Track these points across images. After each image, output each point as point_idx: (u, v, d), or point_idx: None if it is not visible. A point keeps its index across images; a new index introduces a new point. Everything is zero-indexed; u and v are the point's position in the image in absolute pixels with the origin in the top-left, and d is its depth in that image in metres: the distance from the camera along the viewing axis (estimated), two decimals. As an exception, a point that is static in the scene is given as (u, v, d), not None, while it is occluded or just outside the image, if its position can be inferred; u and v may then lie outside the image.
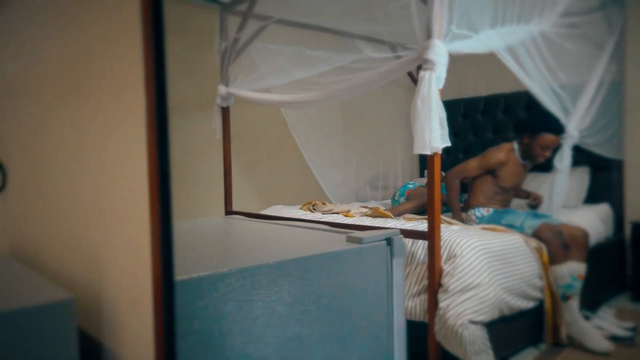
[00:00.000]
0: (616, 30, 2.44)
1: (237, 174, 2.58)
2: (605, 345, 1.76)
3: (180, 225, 1.41)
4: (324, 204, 2.47)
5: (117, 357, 0.62)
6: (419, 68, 1.59)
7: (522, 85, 2.00)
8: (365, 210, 2.29)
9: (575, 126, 2.10)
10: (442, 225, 1.62)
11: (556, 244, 1.85)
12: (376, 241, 0.67)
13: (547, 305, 1.79)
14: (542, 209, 2.18)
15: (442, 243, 1.60)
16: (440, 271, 1.56)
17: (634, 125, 2.59)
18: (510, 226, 1.94)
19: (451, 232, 1.69)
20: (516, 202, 2.29)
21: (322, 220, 1.98)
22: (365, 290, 0.67)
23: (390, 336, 0.71)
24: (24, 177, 1.00)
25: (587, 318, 1.92)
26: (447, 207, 2.19)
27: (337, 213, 2.28)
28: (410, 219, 2.09)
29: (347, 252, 0.65)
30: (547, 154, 2.06)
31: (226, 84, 2.35)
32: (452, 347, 1.49)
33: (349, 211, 2.29)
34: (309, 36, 2.51)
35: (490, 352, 1.51)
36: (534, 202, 2.23)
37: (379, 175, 3.21)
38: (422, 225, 1.85)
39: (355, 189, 3.22)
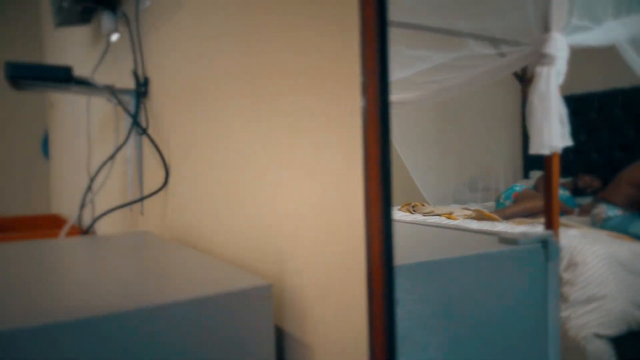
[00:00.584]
0: None
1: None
2: None
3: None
4: (424, 205, 2.42)
5: (302, 344, 0.66)
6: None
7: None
8: (468, 212, 2.21)
9: None
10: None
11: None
12: (532, 243, 0.65)
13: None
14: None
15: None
16: (560, 279, 1.47)
17: None
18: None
19: (571, 238, 1.57)
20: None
21: (427, 222, 1.94)
22: (519, 296, 0.64)
23: (544, 346, 0.68)
24: (183, 175, 1.10)
25: None
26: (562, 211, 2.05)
27: (439, 215, 2.22)
28: (519, 223, 1.99)
29: (502, 254, 0.63)
30: None
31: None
32: (573, 361, 1.39)
33: (451, 213, 2.22)
34: (410, 35, 2.47)
35: (618, 370, 1.39)
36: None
37: (479, 176, 3.08)
38: (534, 229, 1.74)
39: (452, 191, 3.12)
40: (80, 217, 1.44)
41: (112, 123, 1.61)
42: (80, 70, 1.50)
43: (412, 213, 2.31)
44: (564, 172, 2.05)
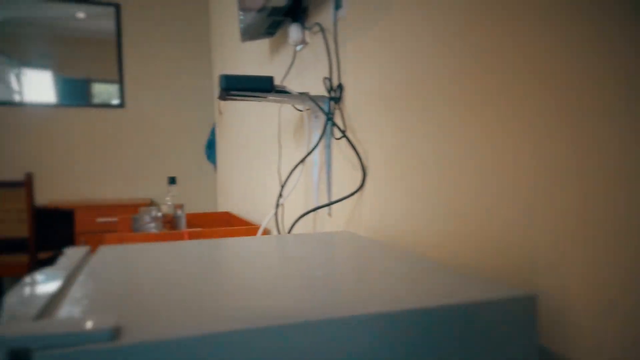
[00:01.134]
0: None
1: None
2: None
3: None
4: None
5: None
6: None
7: None
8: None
9: None
10: None
11: None
12: None
13: None
14: None
15: None
16: None
17: None
18: None
19: None
20: None
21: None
22: None
23: None
24: (384, 176, 1.12)
25: None
26: None
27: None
28: None
29: None
30: None
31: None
32: None
33: None
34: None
35: None
36: None
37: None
38: None
39: None
40: (276, 218, 1.55)
41: (297, 129, 1.71)
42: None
43: None
44: None
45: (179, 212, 2.28)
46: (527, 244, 0.68)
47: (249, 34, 1.82)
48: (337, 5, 1.29)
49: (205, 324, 0.48)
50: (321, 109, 1.29)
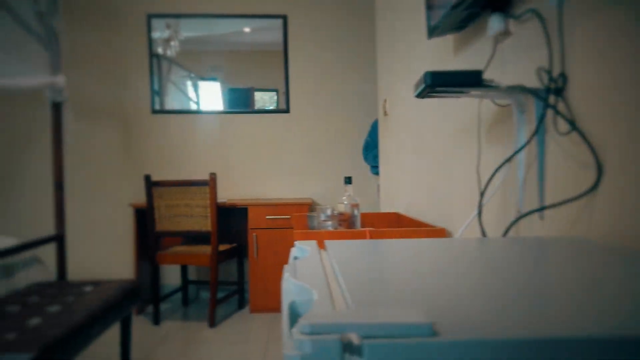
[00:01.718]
0: None
1: None
2: None
3: None
4: None
5: None
6: None
7: None
8: None
9: None
10: None
11: None
12: None
13: None
14: None
15: None
16: None
17: None
18: None
19: None
20: None
21: None
22: None
23: None
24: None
25: None
26: None
27: None
28: None
29: None
30: None
31: None
32: None
33: None
34: None
35: None
36: None
37: None
38: None
39: None
40: (479, 220, 1.48)
41: (492, 125, 1.62)
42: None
43: None
44: None
45: (356, 211, 2.33)
46: None
47: (438, 29, 1.77)
48: (559, -12, 1.18)
49: (531, 328, 0.44)
50: (543, 100, 1.19)
